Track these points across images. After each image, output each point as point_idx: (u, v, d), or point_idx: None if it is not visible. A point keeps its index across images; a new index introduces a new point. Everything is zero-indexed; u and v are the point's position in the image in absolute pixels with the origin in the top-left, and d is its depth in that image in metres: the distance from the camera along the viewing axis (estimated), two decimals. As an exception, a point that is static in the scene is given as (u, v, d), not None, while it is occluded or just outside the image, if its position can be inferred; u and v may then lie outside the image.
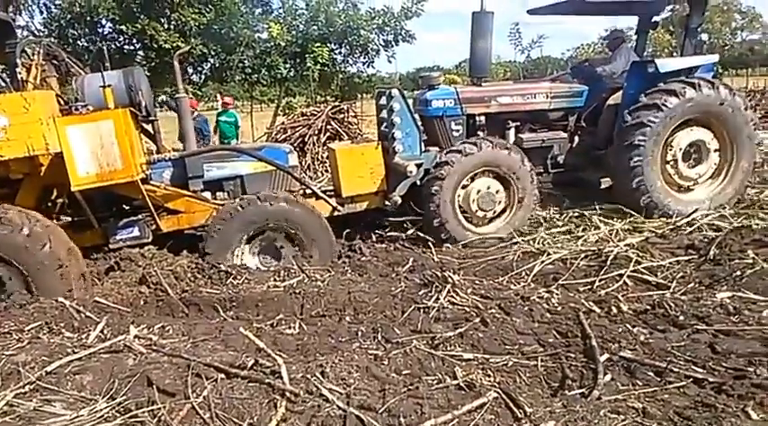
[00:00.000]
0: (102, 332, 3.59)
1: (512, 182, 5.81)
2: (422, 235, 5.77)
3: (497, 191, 5.79)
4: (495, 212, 5.85)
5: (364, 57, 16.07)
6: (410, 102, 6.01)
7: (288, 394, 2.79)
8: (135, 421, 2.66)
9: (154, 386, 2.85)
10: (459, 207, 5.77)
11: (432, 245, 5.43)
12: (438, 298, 3.96)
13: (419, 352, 3.28)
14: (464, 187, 5.76)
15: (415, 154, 5.82)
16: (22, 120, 4.35)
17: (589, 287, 4.18)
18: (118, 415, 2.70)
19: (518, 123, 6.39)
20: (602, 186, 6.63)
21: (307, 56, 14.71)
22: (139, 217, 5.18)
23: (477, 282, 4.29)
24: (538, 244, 5.37)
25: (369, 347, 3.41)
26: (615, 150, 6.11)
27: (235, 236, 5.00)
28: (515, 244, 5.46)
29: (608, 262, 4.54)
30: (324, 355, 3.25)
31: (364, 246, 5.39)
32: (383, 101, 5.89)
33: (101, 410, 2.74)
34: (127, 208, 5.38)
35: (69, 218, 5.35)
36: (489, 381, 2.92)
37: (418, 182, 5.78)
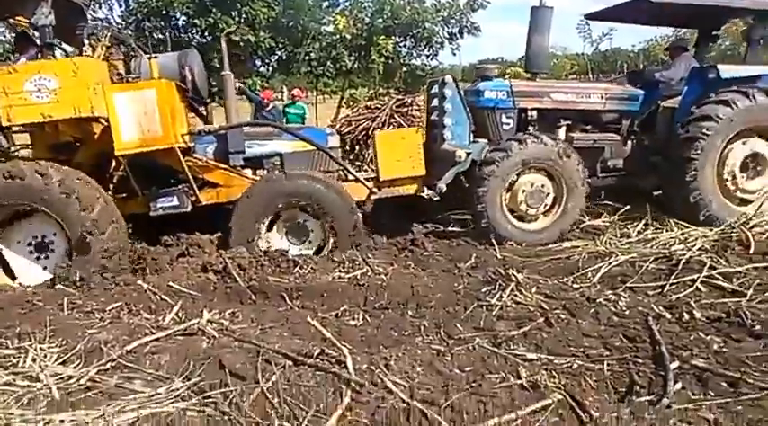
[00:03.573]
0: (176, 314, 3.77)
1: (559, 179, 5.70)
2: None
3: (545, 187, 5.70)
4: (545, 207, 5.77)
5: (428, 50, 15.95)
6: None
7: (353, 384, 2.85)
8: (208, 401, 2.78)
9: (226, 369, 2.97)
10: (507, 205, 5.70)
11: (494, 242, 5.39)
12: (501, 296, 3.95)
13: (482, 350, 3.29)
14: (511, 184, 5.69)
15: (464, 143, 5.76)
16: (70, 84, 4.71)
17: (659, 291, 4.06)
18: (193, 395, 2.84)
19: (570, 121, 6.25)
20: (656, 194, 6.43)
21: (371, 48, 14.75)
22: (179, 187, 5.38)
23: (541, 281, 4.24)
24: (604, 245, 5.25)
25: (431, 342, 3.44)
26: (669, 161, 5.92)
27: (258, 214, 5.15)
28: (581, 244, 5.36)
29: (679, 266, 4.39)
30: (387, 348, 3.30)
31: (426, 241, 5.39)
32: (435, 89, 5.86)
33: (177, 389, 2.89)
34: (171, 181, 5.53)
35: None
36: (554, 383, 2.89)
37: (463, 181, 5.77)
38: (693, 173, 5.71)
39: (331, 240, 5.22)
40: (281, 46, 14.72)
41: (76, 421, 2.62)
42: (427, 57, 16.17)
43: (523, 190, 5.66)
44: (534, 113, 6.10)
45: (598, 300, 3.84)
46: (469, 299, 4.00)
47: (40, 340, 3.36)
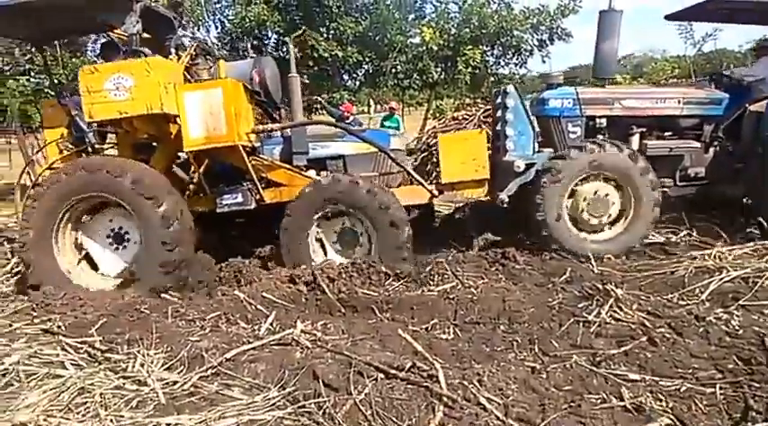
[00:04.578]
0: (271, 325, 3.87)
1: (626, 188, 5.41)
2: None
3: (609, 196, 5.43)
4: (609, 217, 5.51)
5: (517, 58, 15.72)
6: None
7: (445, 399, 2.81)
8: (303, 410, 2.84)
9: (319, 380, 3.01)
10: (568, 214, 5.48)
11: (591, 256, 5.17)
12: (599, 313, 3.77)
13: (580, 368, 3.15)
14: (573, 193, 5.47)
15: (527, 153, 5.58)
16: (143, 83, 4.99)
17: (776, 310, 3.74)
18: (288, 404, 2.90)
19: (644, 129, 5.91)
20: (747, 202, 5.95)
21: (458, 59, 14.70)
22: (244, 185, 5.52)
23: (642, 298, 4.01)
24: (714, 259, 4.90)
25: (525, 358, 3.33)
26: (754, 166, 5.46)
27: (307, 218, 5.19)
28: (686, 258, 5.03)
29: (799, 283, 4.03)
30: (480, 363, 3.23)
31: (518, 254, 5.26)
32: (499, 99, 5.72)
33: (273, 398, 2.96)
34: (239, 181, 5.65)
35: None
36: (660, 406, 2.72)
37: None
38: None
39: (373, 250, 5.17)
40: (367, 60, 14.97)
41: (181, 424, 2.75)
42: (516, 65, 15.94)
43: (585, 199, 5.44)
44: (603, 121, 5.84)
45: (707, 319, 3.58)
46: (565, 315, 3.84)
47: (147, 346, 3.56)
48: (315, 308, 4.38)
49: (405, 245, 5.11)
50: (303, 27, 13.78)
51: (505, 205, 5.53)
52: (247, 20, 13.98)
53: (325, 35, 14.16)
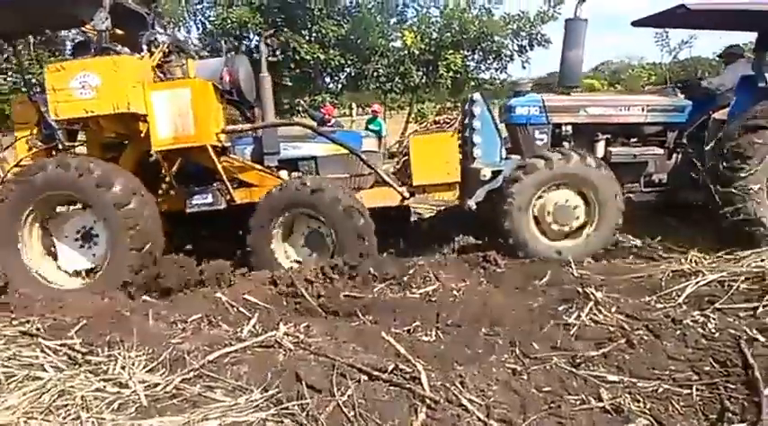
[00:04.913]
0: (254, 327, 3.86)
1: (590, 195, 5.50)
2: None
3: (573, 204, 5.53)
4: (572, 227, 5.58)
5: (497, 63, 15.92)
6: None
7: (428, 400, 2.84)
8: (286, 412, 2.84)
9: (303, 382, 3.02)
10: (534, 222, 5.56)
11: (571, 260, 5.25)
12: (579, 315, 3.83)
13: (559, 370, 3.20)
14: (539, 199, 5.55)
15: (494, 161, 5.66)
16: (110, 81, 4.96)
17: (751, 313, 3.82)
18: (271, 406, 2.90)
19: (608, 136, 6.03)
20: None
21: (439, 63, 14.83)
22: (214, 185, 5.50)
23: (621, 301, 4.07)
24: (690, 263, 5.00)
25: (506, 360, 3.37)
26: (715, 174, 5.54)
27: (269, 220, 5.22)
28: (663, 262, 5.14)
29: (773, 286, 4.13)
30: (461, 365, 3.26)
31: (499, 257, 5.31)
32: (467, 106, 5.78)
33: (256, 400, 2.96)
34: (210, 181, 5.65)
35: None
36: (638, 407, 2.78)
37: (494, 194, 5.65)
38: (741, 187, 5.35)
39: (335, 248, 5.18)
40: (349, 63, 15.04)
41: (164, 426, 2.74)
42: (496, 70, 16.14)
43: (551, 207, 5.52)
44: (569, 128, 5.94)
45: (684, 321, 3.65)
46: (545, 318, 3.89)
47: (128, 348, 3.52)
48: (295, 311, 4.38)
49: (362, 239, 5.10)
50: (285, 29, 13.79)
51: (473, 211, 5.61)
52: (229, 21, 13.95)
53: (307, 38, 14.19)
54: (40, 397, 3.06)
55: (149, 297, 4.74)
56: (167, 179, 5.57)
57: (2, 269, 5.04)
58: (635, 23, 6.75)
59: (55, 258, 5.32)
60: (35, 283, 5.02)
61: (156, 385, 3.15)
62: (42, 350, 3.59)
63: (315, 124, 8.45)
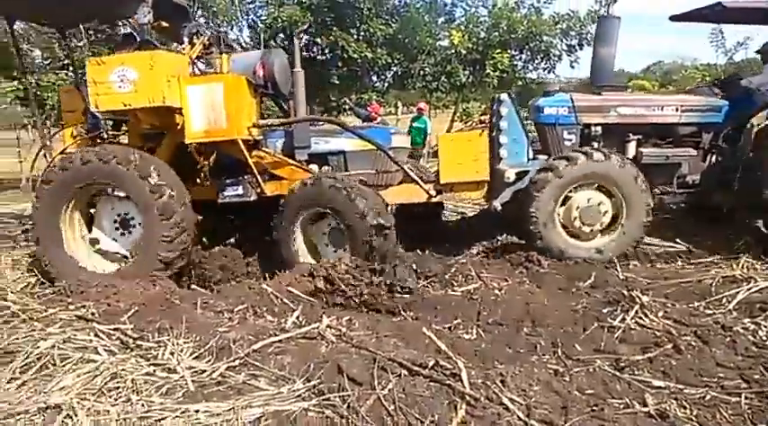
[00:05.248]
0: (297, 318, 3.93)
1: (617, 195, 5.37)
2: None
3: (601, 204, 5.41)
4: (602, 225, 5.47)
5: (545, 63, 15.71)
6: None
7: (468, 397, 2.84)
8: (327, 403, 2.88)
9: (344, 374, 3.06)
10: (561, 222, 5.46)
11: (616, 261, 5.16)
12: (624, 318, 3.76)
13: (603, 373, 3.16)
14: (565, 201, 5.45)
15: (521, 161, 5.59)
16: (147, 76, 5.11)
17: (806, 321, 3.69)
18: (313, 396, 2.96)
19: (640, 136, 5.85)
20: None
21: (486, 62, 14.73)
22: (245, 177, 5.60)
23: (668, 305, 3.99)
24: (741, 268, 4.84)
25: (548, 361, 3.35)
26: (745, 177, 5.36)
27: (292, 218, 5.29)
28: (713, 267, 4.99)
29: (830, 295, 3.97)
30: (502, 364, 3.26)
31: (543, 258, 5.25)
32: (494, 106, 5.71)
33: (298, 389, 3.02)
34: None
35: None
36: (685, 413, 2.72)
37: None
38: None
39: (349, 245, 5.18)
40: (396, 61, 15.08)
41: (209, 411, 2.82)
42: (544, 70, 15.92)
43: (577, 207, 5.41)
44: (599, 129, 5.80)
45: (734, 328, 3.55)
46: (589, 320, 3.84)
47: (177, 335, 3.63)
48: (338, 305, 4.42)
49: (377, 238, 5.05)
50: (333, 28, 13.92)
51: (498, 212, 5.58)
52: (279, 20, 14.16)
53: (355, 36, 14.29)
54: (93, 379, 3.19)
55: (197, 287, 4.87)
56: (202, 169, 5.73)
57: (43, 252, 5.31)
58: (673, 18, 6.59)
59: (94, 243, 5.54)
60: (74, 267, 5.27)
61: (203, 371, 3.25)
62: (96, 335, 3.75)
63: (355, 122, 8.50)
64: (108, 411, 2.87)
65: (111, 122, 5.89)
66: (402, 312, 4.19)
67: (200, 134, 5.33)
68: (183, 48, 5.66)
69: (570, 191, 5.43)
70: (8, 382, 3.25)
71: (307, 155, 5.75)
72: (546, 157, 5.70)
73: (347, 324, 3.81)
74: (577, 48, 15.37)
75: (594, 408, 2.78)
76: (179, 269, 5.31)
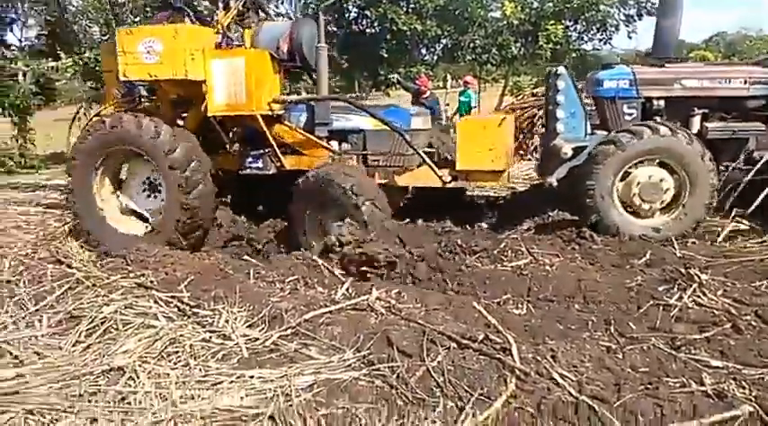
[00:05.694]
0: (347, 290, 3.98)
1: (680, 171, 5.13)
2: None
3: (662, 181, 5.17)
4: (663, 202, 5.24)
5: (601, 34, 15.17)
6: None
7: (518, 372, 2.84)
8: (377, 373, 2.94)
9: (393, 346, 3.10)
10: (619, 198, 5.27)
11: (673, 239, 4.99)
12: (681, 297, 3.66)
13: (658, 351, 3.09)
14: (625, 177, 5.24)
15: (579, 136, 5.40)
16: (171, 48, 5.23)
17: None
18: (363, 366, 3.01)
19: (705, 110, 5.54)
20: None
21: (539, 34, 14.32)
22: (266, 150, 5.67)
23: (728, 284, 3.85)
24: (808, 248, 4.63)
25: (600, 338, 3.29)
26: None
27: (302, 208, 5.33)
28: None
29: None
30: (553, 339, 3.22)
31: (595, 234, 5.13)
32: (550, 80, 5.52)
33: (348, 359, 3.08)
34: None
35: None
36: (743, 394, 2.64)
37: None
38: None
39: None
40: (446, 34, 14.81)
41: (263, 378, 2.91)
42: (600, 41, 15.38)
43: (638, 183, 5.21)
44: (661, 103, 5.52)
45: (799, 309, 3.41)
46: (644, 298, 3.75)
47: (231, 304, 3.75)
48: (387, 277, 4.44)
49: (371, 223, 4.98)
50: (383, 1, 13.76)
51: (554, 187, 5.43)
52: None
53: (405, 9, 14.10)
54: (153, 344, 3.34)
55: (249, 258, 4.99)
56: (225, 141, 5.84)
57: (76, 210, 5.64)
58: None
59: (123, 205, 5.83)
60: (104, 226, 5.60)
61: (256, 339, 3.35)
62: (155, 301, 3.90)
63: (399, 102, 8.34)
64: (168, 374, 3.00)
65: (145, 86, 6.03)
66: (450, 285, 4.19)
67: (221, 107, 5.43)
68: (217, 13, 5.74)
69: (631, 167, 5.27)
70: (73, 345, 3.43)
71: (327, 132, 5.77)
72: (605, 133, 5.54)
73: (396, 297, 3.84)
74: (636, 18, 14.77)
75: (649, 386, 2.72)
76: (197, 238, 5.54)
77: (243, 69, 5.31)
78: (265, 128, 5.52)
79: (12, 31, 13.41)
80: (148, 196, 5.79)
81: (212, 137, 5.89)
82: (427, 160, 5.53)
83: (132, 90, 5.90)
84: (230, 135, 5.86)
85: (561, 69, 5.50)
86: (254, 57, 5.38)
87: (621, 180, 5.29)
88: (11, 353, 3.36)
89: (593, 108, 5.87)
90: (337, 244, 4.77)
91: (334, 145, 5.74)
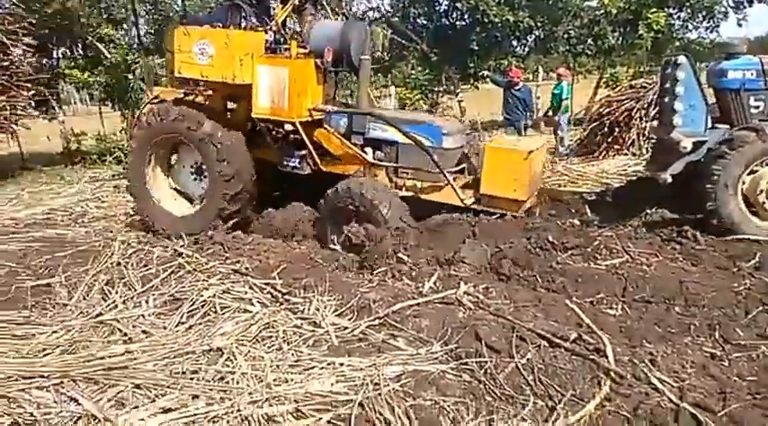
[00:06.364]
0: (434, 284, 3.98)
1: None
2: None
3: None
4: None
5: (708, 22, 14.23)
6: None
7: (613, 374, 2.74)
8: (465, 368, 2.92)
9: (482, 341, 3.08)
10: (743, 193, 4.88)
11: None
12: (795, 304, 3.40)
13: (767, 360, 2.89)
14: (752, 173, 4.84)
15: (698, 130, 5.07)
16: (222, 53, 5.52)
17: None
18: (450, 360, 3.01)
19: None
20: None
21: (639, 23, 13.61)
22: (303, 152, 5.79)
23: None
24: None
25: (704, 343, 3.13)
26: None
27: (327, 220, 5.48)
28: None
29: None
30: (651, 343, 3.09)
31: (699, 233, 4.85)
32: (669, 70, 5.20)
33: (436, 352, 3.09)
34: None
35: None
36: None
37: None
38: None
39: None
40: (539, 24, 14.38)
41: (353, 366, 2.97)
42: (706, 29, 14.43)
43: (765, 185, 4.85)
44: None
45: None
46: (752, 303, 3.52)
47: (321, 293, 3.85)
48: (475, 272, 4.40)
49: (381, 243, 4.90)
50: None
51: (668, 183, 5.16)
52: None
53: (496, 0, 13.82)
54: (249, 327, 3.49)
55: (337, 249, 5.10)
56: (267, 138, 5.99)
57: (132, 191, 6.12)
58: None
59: (174, 186, 6.22)
60: (154, 206, 6.03)
61: (345, 328, 3.43)
62: (251, 287, 4.07)
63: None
64: (262, 357, 3.13)
65: None
66: (541, 282, 4.09)
67: (265, 110, 5.62)
68: (274, 8, 5.94)
69: (757, 165, 4.94)
70: (176, 325, 3.64)
71: (362, 139, 5.79)
72: (726, 127, 5.20)
73: (484, 292, 3.80)
74: (746, 4, 13.74)
75: (756, 396, 2.56)
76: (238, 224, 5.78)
77: (286, 78, 5.46)
78: (303, 134, 5.66)
79: (125, 30, 14.28)
80: (195, 179, 6.15)
81: (258, 131, 6.08)
82: (451, 181, 5.49)
83: (188, 79, 6.17)
84: (273, 132, 6.02)
85: (682, 58, 5.23)
86: (297, 67, 5.50)
87: (750, 174, 4.98)
88: (120, 330, 3.62)
89: (714, 100, 5.52)
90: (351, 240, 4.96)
91: (369, 152, 5.79)
